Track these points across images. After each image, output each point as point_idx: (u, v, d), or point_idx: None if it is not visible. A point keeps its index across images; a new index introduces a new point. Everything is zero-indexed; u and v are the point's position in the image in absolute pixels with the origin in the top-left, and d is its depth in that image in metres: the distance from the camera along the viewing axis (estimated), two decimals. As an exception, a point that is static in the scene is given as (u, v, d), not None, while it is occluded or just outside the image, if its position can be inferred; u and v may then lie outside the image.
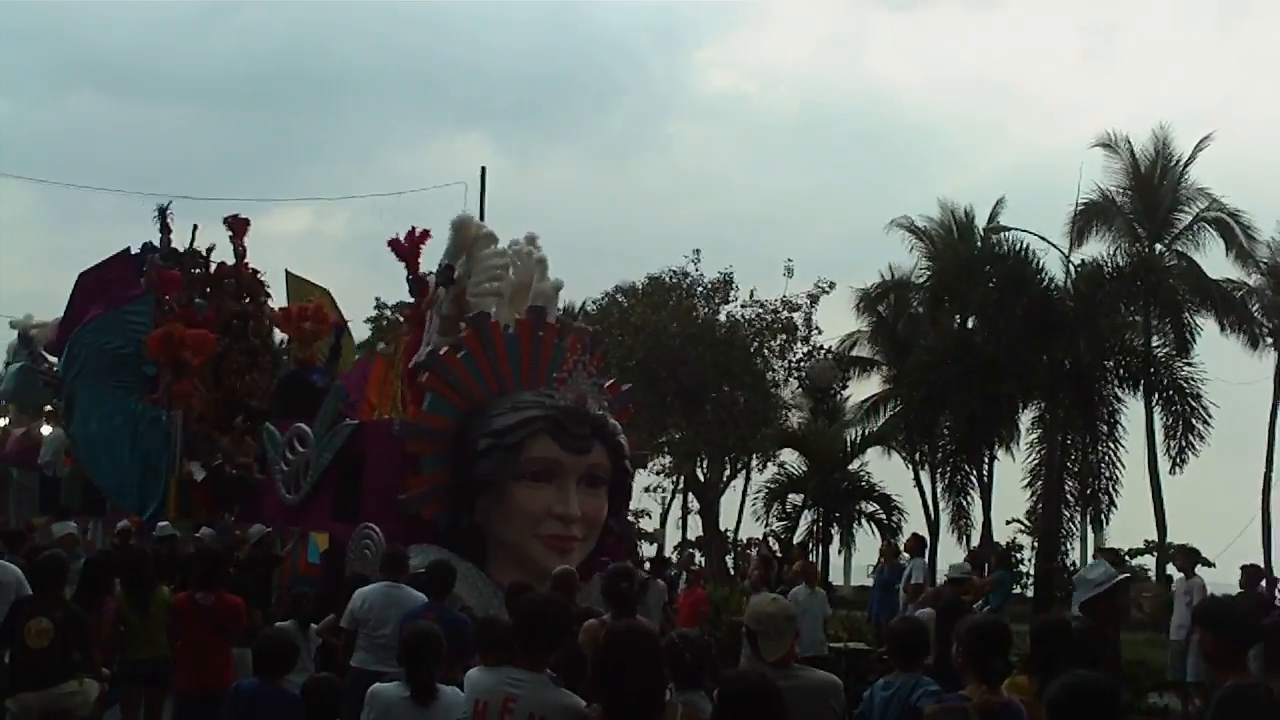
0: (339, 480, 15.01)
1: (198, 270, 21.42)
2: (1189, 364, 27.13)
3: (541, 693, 5.11)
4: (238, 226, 21.55)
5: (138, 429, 18.12)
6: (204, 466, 17.77)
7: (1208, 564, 17.35)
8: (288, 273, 22.59)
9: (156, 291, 19.91)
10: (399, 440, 13.92)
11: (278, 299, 21.70)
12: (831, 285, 36.71)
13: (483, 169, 29.32)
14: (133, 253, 21.27)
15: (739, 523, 38.50)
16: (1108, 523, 27.92)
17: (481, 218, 28.09)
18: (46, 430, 21.05)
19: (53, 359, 22.33)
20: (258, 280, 21.59)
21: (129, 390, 18.91)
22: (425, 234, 16.33)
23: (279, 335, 21.45)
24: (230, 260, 21.50)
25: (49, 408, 21.36)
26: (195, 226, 21.92)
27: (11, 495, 21.46)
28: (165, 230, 21.69)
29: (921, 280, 33.47)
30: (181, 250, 21.55)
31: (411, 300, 16.84)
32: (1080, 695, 4.05)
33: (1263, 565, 20.19)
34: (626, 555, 17.34)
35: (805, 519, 29.05)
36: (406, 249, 16.27)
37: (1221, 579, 18.98)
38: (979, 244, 31.71)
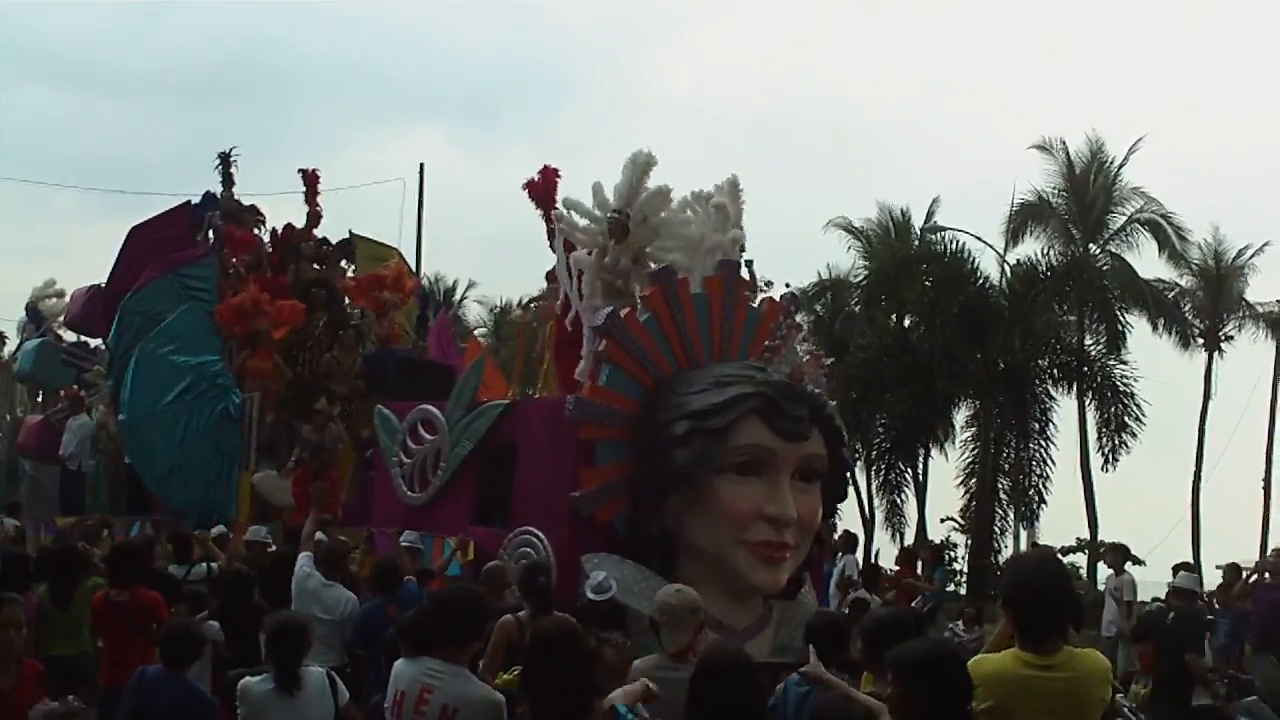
0: (480, 474, 12.45)
1: (258, 231, 18.22)
2: (1121, 363, 27.51)
3: (457, 684, 5.09)
4: (310, 181, 18.17)
5: (191, 392, 15.29)
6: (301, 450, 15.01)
7: (1138, 561, 17.54)
8: (353, 234, 19.34)
9: (222, 254, 17.23)
10: (569, 425, 11.12)
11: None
12: (769, 284, 36.77)
13: (421, 165, 28.50)
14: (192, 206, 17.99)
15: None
16: (1039, 520, 28.25)
17: (420, 215, 27.85)
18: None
19: (71, 336, 20.11)
20: (344, 244, 18.57)
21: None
22: (552, 172, 13.58)
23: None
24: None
25: (63, 392, 18.92)
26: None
27: (24, 492, 18.76)
28: (228, 182, 18.24)
29: (858, 279, 33.65)
30: (241, 207, 18.28)
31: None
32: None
33: (1192, 563, 20.47)
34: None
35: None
36: (544, 192, 13.56)
37: (1151, 576, 19.21)
38: (915, 243, 31.93)
